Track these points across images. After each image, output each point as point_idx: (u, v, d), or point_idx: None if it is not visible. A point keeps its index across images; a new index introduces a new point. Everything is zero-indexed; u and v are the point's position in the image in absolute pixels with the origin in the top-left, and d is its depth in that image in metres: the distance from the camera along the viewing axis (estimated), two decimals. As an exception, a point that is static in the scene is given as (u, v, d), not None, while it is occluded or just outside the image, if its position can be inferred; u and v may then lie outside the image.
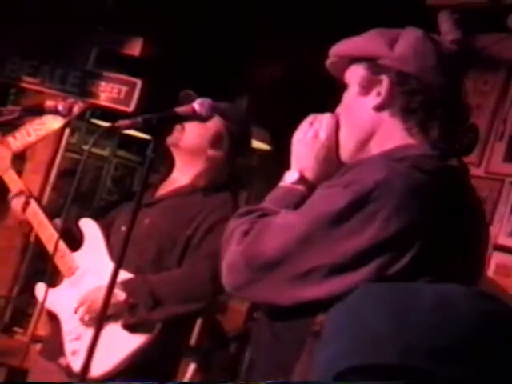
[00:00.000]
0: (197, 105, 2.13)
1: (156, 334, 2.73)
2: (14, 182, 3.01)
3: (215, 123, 2.90)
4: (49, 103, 2.96)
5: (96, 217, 3.06)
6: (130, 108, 4.23)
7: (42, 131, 3.14)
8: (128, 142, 5.66)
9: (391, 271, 1.52)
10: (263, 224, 1.63)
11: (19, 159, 4.24)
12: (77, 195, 5.39)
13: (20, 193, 2.98)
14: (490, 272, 3.76)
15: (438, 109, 1.67)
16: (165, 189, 2.98)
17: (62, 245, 2.90)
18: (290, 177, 1.78)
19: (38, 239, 2.97)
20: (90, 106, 4.02)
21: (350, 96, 1.76)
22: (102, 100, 4.34)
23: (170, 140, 2.86)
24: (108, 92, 4.33)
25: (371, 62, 1.71)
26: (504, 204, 3.89)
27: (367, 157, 1.72)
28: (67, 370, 2.78)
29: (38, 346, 3.74)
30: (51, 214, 3.01)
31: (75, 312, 2.82)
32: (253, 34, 4.47)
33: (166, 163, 3.04)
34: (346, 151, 1.76)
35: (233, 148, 2.93)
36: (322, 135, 1.77)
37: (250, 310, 4.95)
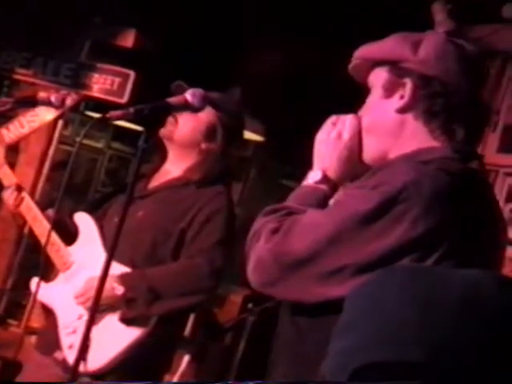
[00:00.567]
0: (189, 95, 2.12)
1: (152, 327, 2.73)
2: (8, 178, 3.00)
3: (209, 116, 2.89)
4: (42, 95, 2.95)
5: (90, 210, 3.05)
6: (124, 99, 4.22)
7: (36, 123, 3.13)
8: (122, 134, 5.66)
9: None
10: (291, 222, 1.65)
11: (12, 151, 4.24)
12: (71, 187, 5.39)
13: (13, 187, 2.97)
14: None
15: (461, 111, 1.70)
16: (158, 180, 2.97)
17: (56, 239, 2.89)
18: (313, 176, 1.81)
19: (32, 232, 2.96)
20: (83, 97, 4.01)
21: (374, 98, 1.79)
22: (95, 91, 4.33)
23: (163, 132, 2.85)
24: (101, 83, 4.33)
25: (394, 65, 1.74)
26: (498, 195, 3.89)
27: (390, 158, 1.74)
28: (63, 364, 2.78)
29: (33, 338, 3.75)
30: (45, 207, 3.01)
31: (76, 299, 2.81)
32: (246, 24, 4.46)
33: (157, 154, 3.03)
34: (368, 152, 1.78)
35: (226, 140, 2.92)
36: (345, 136, 1.79)
37: (245, 301, 4.96)
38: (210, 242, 2.78)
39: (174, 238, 2.82)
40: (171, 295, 2.73)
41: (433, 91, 1.69)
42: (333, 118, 1.84)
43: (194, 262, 2.78)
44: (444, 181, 1.58)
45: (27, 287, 2.99)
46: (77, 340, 2.73)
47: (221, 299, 4.81)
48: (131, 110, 1.96)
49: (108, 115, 1.98)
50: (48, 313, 2.96)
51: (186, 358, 3.93)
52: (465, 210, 1.60)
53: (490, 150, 4.00)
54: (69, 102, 2.94)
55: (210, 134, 2.90)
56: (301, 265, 1.60)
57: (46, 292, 2.90)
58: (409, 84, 1.71)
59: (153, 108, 1.98)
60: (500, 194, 3.90)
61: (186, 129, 2.88)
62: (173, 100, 2.09)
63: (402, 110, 1.72)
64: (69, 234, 2.94)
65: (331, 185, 1.79)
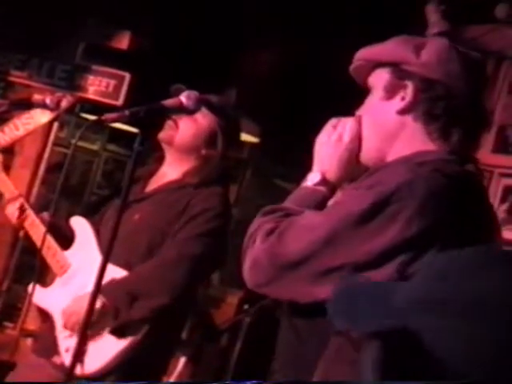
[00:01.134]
0: (184, 98, 2.13)
1: (146, 330, 2.73)
2: (4, 185, 3.00)
3: (209, 122, 2.89)
4: (37, 97, 2.96)
5: (87, 213, 3.05)
6: (119, 101, 4.22)
7: (31, 125, 3.13)
8: (118, 136, 5.65)
9: (411, 270, 1.55)
10: (288, 223, 1.66)
11: (8, 154, 4.23)
12: (67, 189, 5.39)
13: (14, 198, 2.97)
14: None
15: (461, 115, 1.71)
16: (155, 183, 2.97)
17: (53, 243, 2.89)
18: (312, 178, 1.82)
19: (27, 234, 2.96)
20: (78, 99, 4.00)
21: (374, 100, 1.80)
22: (91, 94, 4.33)
23: (162, 136, 2.86)
24: (96, 85, 4.32)
25: (396, 67, 1.75)
26: (493, 195, 3.90)
27: (389, 160, 1.76)
28: (62, 367, 2.78)
29: (28, 341, 3.75)
30: (41, 209, 3.01)
31: (64, 328, 2.80)
32: (241, 26, 4.47)
33: (153, 156, 3.03)
34: (367, 153, 1.80)
35: (226, 145, 2.93)
36: (346, 138, 1.80)
37: (241, 303, 4.96)
38: (184, 236, 2.79)
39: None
40: (149, 295, 2.72)
41: (434, 94, 1.70)
42: (333, 121, 1.85)
43: (162, 256, 2.77)
44: (438, 182, 1.60)
45: (23, 290, 2.99)
46: (74, 344, 2.74)
47: (217, 301, 4.82)
48: (126, 112, 1.97)
49: (103, 117, 1.99)
50: (45, 316, 2.96)
51: (183, 360, 3.94)
52: (459, 211, 1.61)
53: (484, 150, 4.00)
54: (64, 104, 2.95)
55: (210, 140, 2.90)
56: (296, 265, 1.61)
57: (43, 296, 2.91)
58: (410, 86, 1.72)
59: (148, 110, 1.98)
60: (495, 195, 3.91)
61: (187, 134, 2.88)
62: (168, 102, 2.10)
63: (403, 112, 1.74)
64: (65, 238, 2.94)
65: (330, 187, 1.80)
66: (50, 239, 2.87)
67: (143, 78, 4.26)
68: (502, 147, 3.97)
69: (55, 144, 4.66)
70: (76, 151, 5.56)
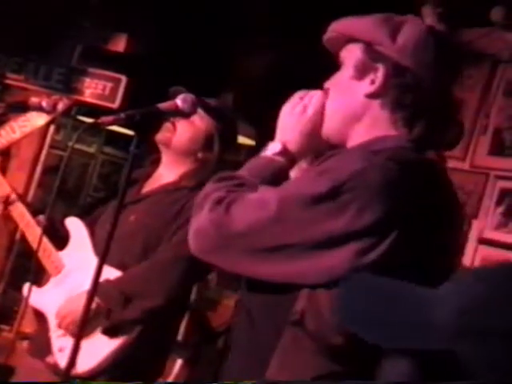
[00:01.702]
0: (179, 101, 2.13)
1: (137, 332, 2.73)
2: (1, 186, 3.01)
3: (206, 125, 2.90)
4: (33, 100, 2.96)
5: (82, 215, 3.06)
6: (115, 104, 4.22)
7: (27, 128, 3.13)
8: (114, 139, 5.66)
9: (368, 259, 1.53)
10: (238, 195, 1.64)
11: (4, 156, 4.23)
12: (63, 192, 5.39)
13: (2, 199, 2.97)
14: (476, 266, 3.78)
15: (428, 107, 1.68)
16: (151, 185, 2.98)
17: (47, 244, 2.90)
18: (272, 148, 1.80)
19: (23, 237, 2.97)
20: (74, 102, 4.01)
21: (343, 76, 1.76)
22: (87, 96, 4.33)
23: (159, 137, 2.86)
24: (93, 88, 4.32)
25: (370, 46, 1.70)
26: (489, 197, 3.91)
27: (349, 142, 1.73)
28: (54, 367, 2.78)
29: (24, 343, 3.74)
30: (37, 212, 3.01)
31: (58, 327, 2.81)
32: (238, 29, 4.47)
33: (150, 158, 3.03)
34: (329, 129, 1.77)
35: (223, 148, 2.93)
36: (310, 110, 1.78)
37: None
38: (184, 236, 2.78)
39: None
40: (144, 295, 2.73)
41: (405, 82, 1.66)
42: (301, 92, 1.82)
43: (157, 258, 2.77)
44: (392, 171, 1.56)
45: (18, 292, 3.00)
46: (67, 343, 2.75)
47: (214, 303, 4.82)
48: (122, 115, 1.96)
49: (99, 121, 1.98)
50: (40, 317, 2.97)
51: (179, 362, 3.94)
52: (415, 199, 1.58)
53: (480, 153, 4.02)
54: (60, 106, 2.95)
55: (207, 143, 2.91)
56: (239, 238, 1.59)
57: (37, 296, 2.91)
58: (381, 70, 1.68)
59: (144, 113, 1.98)
60: (491, 197, 3.91)
61: (184, 137, 2.89)
62: (164, 106, 2.10)
63: (371, 96, 1.70)
64: (60, 239, 2.94)
65: (289, 158, 1.78)
66: (45, 240, 2.88)
67: (140, 81, 4.26)
68: (497, 150, 3.97)
69: (52, 146, 4.66)
70: (72, 154, 5.57)
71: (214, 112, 2.85)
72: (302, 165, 1.84)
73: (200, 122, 2.85)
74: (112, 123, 2.02)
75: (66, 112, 3.08)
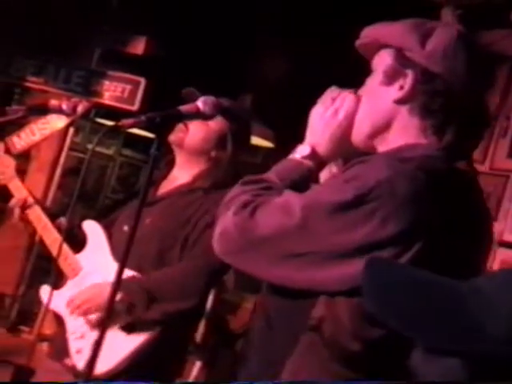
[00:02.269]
0: (200, 103, 2.11)
1: (157, 333, 2.73)
2: (18, 190, 3.02)
3: (219, 124, 2.89)
4: (53, 102, 2.97)
5: (100, 217, 3.06)
6: (134, 107, 4.23)
7: (47, 130, 3.15)
8: (133, 141, 5.67)
9: None
10: (264, 199, 1.63)
11: (24, 158, 4.25)
12: (82, 194, 5.41)
13: (19, 203, 2.98)
14: (495, 268, 3.76)
15: (458, 114, 1.64)
16: (165, 187, 2.97)
17: (65, 247, 2.91)
18: (301, 150, 1.78)
19: (42, 240, 2.98)
20: (94, 105, 4.02)
21: (374, 82, 1.74)
22: (106, 99, 4.34)
23: (172, 138, 2.86)
24: (112, 91, 4.33)
25: (400, 52, 1.68)
26: (509, 200, 3.89)
27: (379, 148, 1.71)
28: (73, 369, 2.79)
29: (44, 345, 3.76)
30: (57, 213, 3.03)
31: (71, 311, 2.82)
32: (256, 31, 4.47)
33: (165, 160, 3.03)
34: (358, 135, 1.75)
35: (236, 148, 2.93)
36: (341, 115, 1.76)
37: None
38: (211, 244, 2.79)
39: (180, 243, 2.82)
40: (169, 298, 2.73)
41: (433, 89, 1.63)
42: (333, 93, 1.80)
43: (192, 263, 2.77)
44: (420, 180, 1.54)
45: (39, 294, 3.01)
46: (84, 345, 2.75)
47: (233, 306, 4.81)
48: (143, 117, 1.95)
49: (120, 123, 1.97)
50: (59, 319, 2.98)
51: (198, 365, 3.94)
52: (442, 211, 1.55)
53: (500, 155, 4.00)
54: (80, 109, 2.96)
55: (220, 142, 2.90)
56: (263, 243, 1.59)
57: (54, 299, 2.92)
58: (410, 76, 1.65)
59: (164, 116, 1.97)
60: (510, 200, 3.89)
61: (197, 137, 2.88)
62: (185, 108, 2.09)
63: (399, 102, 1.67)
64: (77, 242, 2.95)
65: (318, 161, 1.76)
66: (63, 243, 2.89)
67: (159, 83, 4.27)
68: (517, 152, 3.96)
69: (71, 149, 4.68)
70: (91, 156, 5.59)
71: (227, 112, 2.84)
72: (332, 167, 1.83)
73: (213, 121, 2.83)
74: (132, 126, 2.01)
75: (85, 114, 3.08)
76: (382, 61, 1.71)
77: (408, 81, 1.66)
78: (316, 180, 1.79)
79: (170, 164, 3.00)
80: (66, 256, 2.92)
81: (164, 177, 3.01)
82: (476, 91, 1.67)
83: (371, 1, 3.76)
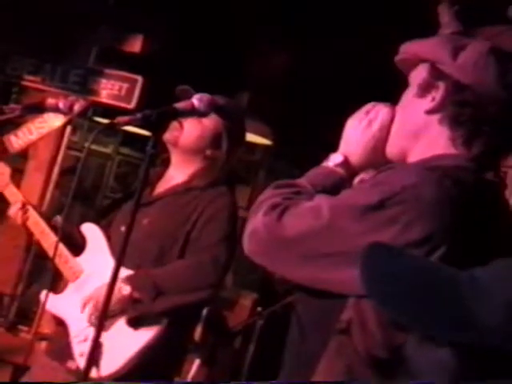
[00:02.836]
0: (196, 100, 2.12)
1: (161, 331, 2.74)
2: (14, 196, 3.01)
3: (214, 122, 2.88)
4: (50, 101, 2.96)
5: (98, 218, 3.06)
6: (131, 105, 4.23)
7: (44, 129, 3.14)
8: (131, 139, 5.67)
9: None
10: (293, 202, 1.66)
11: (22, 158, 4.25)
12: (80, 193, 5.41)
13: (19, 205, 2.98)
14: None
15: (488, 125, 1.66)
16: (162, 187, 2.97)
17: (64, 250, 2.90)
18: (334, 158, 1.81)
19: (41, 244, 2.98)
20: (91, 103, 4.02)
21: (409, 96, 1.77)
22: (104, 97, 4.34)
23: (167, 137, 2.85)
24: (109, 89, 4.33)
25: (433, 65, 1.71)
26: (508, 196, 3.89)
27: (409, 160, 1.73)
28: (76, 372, 2.78)
29: (43, 344, 3.75)
30: (54, 212, 3.02)
31: (81, 311, 2.82)
32: (255, 29, 4.47)
33: (160, 159, 3.02)
34: (391, 147, 1.78)
35: (231, 146, 2.92)
36: (375, 126, 1.79)
37: (254, 305, 4.95)
38: (213, 239, 2.80)
39: (180, 242, 2.82)
40: (175, 291, 2.74)
41: (463, 100, 1.66)
42: (368, 106, 1.83)
43: (198, 258, 2.78)
44: (446, 188, 1.56)
45: (37, 293, 3.00)
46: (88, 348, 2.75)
47: (231, 303, 4.82)
48: (138, 115, 1.96)
49: (116, 121, 1.98)
50: (58, 321, 2.97)
51: (197, 362, 3.94)
52: (467, 219, 1.57)
53: None
54: (77, 108, 2.95)
55: (215, 141, 2.90)
56: (291, 244, 1.61)
57: (56, 303, 2.91)
58: (442, 87, 1.68)
59: (160, 113, 1.97)
60: (509, 196, 3.89)
61: (192, 135, 2.88)
62: (180, 105, 2.09)
63: (430, 112, 1.70)
64: (76, 245, 2.95)
65: (350, 171, 1.80)
66: (61, 246, 2.88)
67: (156, 81, 4.27)
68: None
69: (69, 148, 4.67)
70: (89, 155, 5.58)
71: (222, 110, 2.84)
72: (364, 177, 1.85)
73: (207, 119, 2.83)
74: (128, 123, 2.02)
75: (83, 113, 3.08)
76: (418, 74, 1.75)
77: (439, 92, 1.69)
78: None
79: (166, 163, 3.00)
80: (65, 259, 2.91)
81: (160, 176, 3.00)
82: (505, 103, 1.69)
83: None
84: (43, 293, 2.92)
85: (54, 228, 2.93)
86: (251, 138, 4.23)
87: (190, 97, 2.17)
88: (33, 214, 2.96)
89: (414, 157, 1.73)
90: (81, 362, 2.77)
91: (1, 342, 3.84)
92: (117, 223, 2.94)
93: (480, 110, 1.65)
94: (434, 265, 1.10)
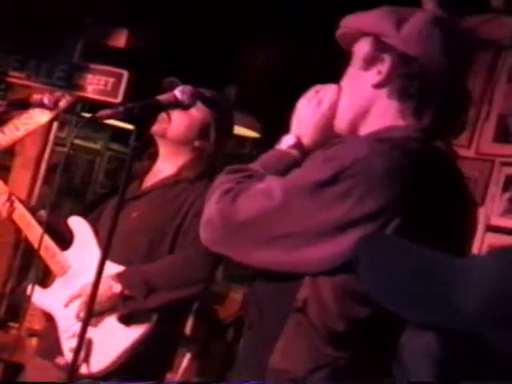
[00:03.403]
0: (178, 92, 2.12)
1: (152, 326, 2.74)
2: None
3: (202, 113, 2.89)
4: (35, 97, 2.96)
5: (85, 213, 3.05)
6: (118, 99, 4.22)
7: (31, 125, 3.13)
8: (120, 135, 5.64)
9: None
10: (245, 186, 1.66)
11: (8, 154, 4.24)
12: (70, 189, 5.39)
13: (4, 197, 2.97)
14: (484, 253, 3.77)
15: (436, 96, 1.68)
16: (150, 180, 2.97)
17: (51, 244, 2.90)
18: (286, 140, 1.81)
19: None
20: (77, 99, 4.01)
21: (353, 69, 1.78)
22: (90, 92, 4.32)
23: (155, 129, 2.86)
24: (95, 84, 4.32)
25: (377, 38, 1.72)
26: (495, 184, 3.90)
27: (361, 133, 1.74)
28: (66, 368, 2.78)
29: (34, 340, 3.75)
30: (43, 208, 3.02)
31: (66, 306, 2.81)
32: (241, 22, 4.46)
33: (148, 152, 3.02)
34: (340, 122, 1.78)
35: (219, 138, 2.93)
36: (325, 104, 1.79)
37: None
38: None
39: (170, 235, 2.83)
40: (166, 287, 2.74)
41: (410, 72, 1.67)
42: (317, 87, 1.84)
43: (188, 253, 2.78)
44: (396, 159, 1.57)
45: (26, 290, 3.00)
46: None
47: (221, 296, 4.82)
48: (121, 108, 1.96)
49: (98, 115, 1.98)
50: (48, 317, 2.97)
51: (188, 356, 3.94)
52: (419, 187, 1.58)
53: (485, 139, 4.00)
54: (63, 103, 2.94)
55: (203, 131, 2.90)
56: (246, 228, 1.61)
57: (43, 298, 2.91)
58: (387, 60, 1.69)
59: (143, 106, 1.97)
60: (496, 184, 3.90)
61: (180, 126, 2.88)
62: (162, 98, 2.09)
63: (377, 86, 1.71)
64: (64, 239, 2.94)
65: (303, 151, 1.79)
66: (48, 240, 2.87)
67: (142, 76, 4.26)
68: (502, 136, 3.96)
69: (56, 144, 4.65)
70: (78, 151, 5.57)
71: (210, 101, 2.84)
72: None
73: (195, 111, 2.84)
74: (110, 117, 2.02)
75: (70, 109, 3.07)
76: (361, 48, 1.75)
77: (385, 65, 1.70)
78: None
79: (153, 156, 3.00)
80: (52, 253, 2.90)
81: (148, 170, 3.00)
82: (452, 73, 1.70)
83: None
84: (29, 287, 2.92)
85: (39, 222, 2.93)
86: (240, 130, 4.23)
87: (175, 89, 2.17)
88: (19, 207, 2.96)
89: (363, 130, 1.73)
90: (70, 357, 2.77)
91: (-9, 339, 3.84)
92: (104, 217, 2.94)
93: (427, 80, 1.66)
94: (431, 253, 1.10)
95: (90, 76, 4.33)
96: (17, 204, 2.97)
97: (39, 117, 3.10)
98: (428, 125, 1.68)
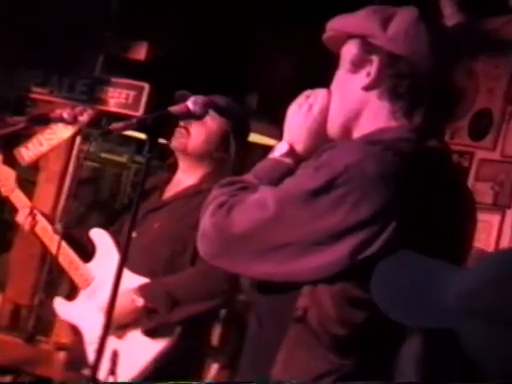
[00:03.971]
0: (190, 103, 2.12)
1: (177, 337, 2.74)
2: (20, 202, 3.03)
3: (219, 124, 2.90)
4: (55, 112, 2.98)
5: (108, 224, 3.08)
6: (139, 112, 4.24)
7: (54, 140, 3.16)
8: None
9: (367, 253, 1.53)
10: (239, 198, 1.65)
11: (33, 170, 4.27)
12: (97, 203, 5.42)
13: (27, 211, 2.99)
14: None
15: (426, 94, 1.66)
16: (171, 191, 2.98)
17: (74, 257, 2.92)
18: (279, 148, 1.79)
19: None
20: (98, 112, 4.03)
21: (342, 73, 1.76)
22: (111, 106, 4.35)
23: (175, 144, 2.88)
24: (116, 97, 4.34)
25: (364, 40, 1.70)
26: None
27: (354, 136, 1.72)
28: (92, 380, 2.79)
29: (62, 354, 3.77)
30: (71, 223, 3.04)
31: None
32: (260, 32, 4.46)
33: (166, 164, 3.04)
34: (332, 127, 1.77)
35: (238, 147, 2.93)
36: (316, 109, 1.77)
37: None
38: None
39: (192, 246, 2.82)
40: (190, 301, 2.74)
41: (399, 71, 1.65)
42: (307, 92, 1.82)
43: (207, 265, 2.78)
44: (389, 161, 1.55)
45: (53, 303, 3.01)
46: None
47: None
48: (134, 120, 1.98)
49: (111, 127, 1.99)
50: (75, 330, 2.99)
51: (215, 367, 3.93)
52: (414, 190, 1.56)
53: (510, 142, 3.97)
54: (84, 117, 2.97)
55: (222, 143, 2.91)
56: (242, 241, 1.60)
57: (69, 310, 2.93)
58: (376, 62, 1.67)
59: (155, 117, 1.98)
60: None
61: (200, 140, 2.90)
62: (175, 109, 2.10)
63: (367, 88, 1.69)
64: (86, 252, 2.96)
65: (297, 158, 1.77)
66: (71, 253, 2.89)
67: (162, 88, 4.27)
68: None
69: (84, 158, 4.68)
70: (105, 164, 5.60)
71: (223, 110, 2.85)
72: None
73: (212, 122, 2.85)
74: (124, 129, 2.04)
75: (92, 122, 3.10)
76: (349, 51, 1.73)
77: (374, 66, 1.68)
78: None
79: (173, 167, 3.01)
80: (76, 266, 2.92)
81: (168, 181, 3.01)
82: (441, 70, 1.68)
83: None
84: (58, 301, 2.94)
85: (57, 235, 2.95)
86: (262, 139, 4.23)
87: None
88: (41, 220, 2.98)
89: (356, 134, 1.71)
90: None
91: (20, 353, 3.85)
92: (126, 229, 2.94)
93: (417, 79, 1.64)
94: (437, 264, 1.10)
95: (111, 89, 4.36)
96: (39, 217, 2.99)
97: (62, 132, 3.13)
98: (420, 124, 1.66)
